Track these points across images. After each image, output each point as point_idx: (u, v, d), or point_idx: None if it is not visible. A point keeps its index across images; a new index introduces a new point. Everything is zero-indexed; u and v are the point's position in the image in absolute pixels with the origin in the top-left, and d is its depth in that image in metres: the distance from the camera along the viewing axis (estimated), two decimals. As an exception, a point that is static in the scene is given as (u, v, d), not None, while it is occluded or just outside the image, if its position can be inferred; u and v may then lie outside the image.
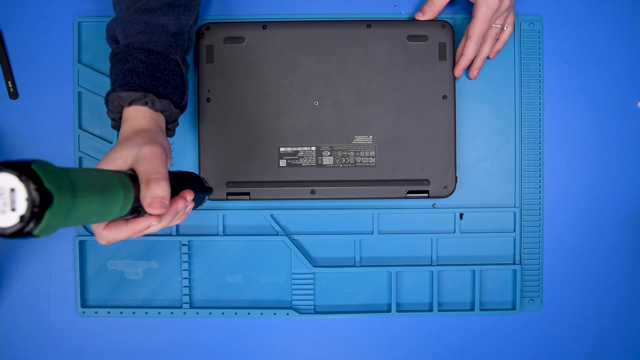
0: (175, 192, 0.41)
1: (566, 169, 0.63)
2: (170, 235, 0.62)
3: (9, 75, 0.61)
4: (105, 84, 0.61)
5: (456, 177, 0.60)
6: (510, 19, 0.59)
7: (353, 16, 0.61)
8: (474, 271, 0.63)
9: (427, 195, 0.59)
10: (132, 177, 0.38)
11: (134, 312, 0.62)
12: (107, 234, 0.38)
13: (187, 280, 0.62)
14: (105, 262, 0.62)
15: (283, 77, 0.59)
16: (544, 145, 0.63)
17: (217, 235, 0.62)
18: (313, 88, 0.59)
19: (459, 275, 0.63)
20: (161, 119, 0.46)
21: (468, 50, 0.58)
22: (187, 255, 0.62)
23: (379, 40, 0.59)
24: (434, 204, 0.62)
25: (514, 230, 0.63)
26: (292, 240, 0.62)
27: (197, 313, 0.62)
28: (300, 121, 0.59)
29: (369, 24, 0.59)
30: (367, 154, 0.59)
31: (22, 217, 0.27)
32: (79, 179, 0.30)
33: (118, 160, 0.39)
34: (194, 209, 0.46)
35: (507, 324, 0.64)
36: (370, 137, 0.59)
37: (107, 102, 0.46)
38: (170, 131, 0.49)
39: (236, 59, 0.59)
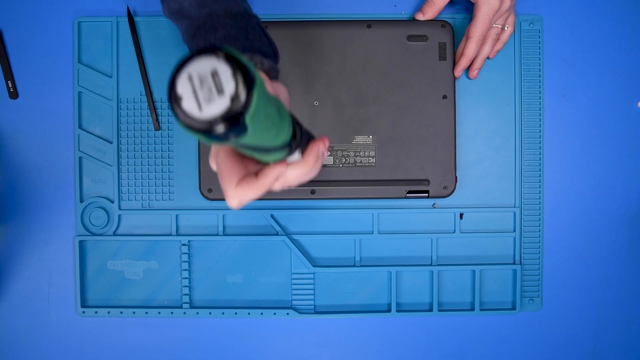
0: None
1: (566, 169, 0.63)
2: (170, 235, 0.62)
3: (9, 75, 0.61)
4: (106, 83, 0.61)
5: (456, 177, 0.60)
6: (511, 19, 0.59)
7: (353, 16, 0.61)
8: (474, 271, 0.63)
9: (427, 195, 0.59)
10: None
11: (134, 312, 0.62)
12: (240, 192, 0.34)
13: (187, 280, 0.62)
14: (105, 262, 0.62)
15: (283, 77, 0.59)
16: (544, 145, 0.63)
17: (217, 235, 0.62)
18: (313, 88, 0.59)
19: (459, 275, 0.63)
20: (266, 78, 0.44)
21: (468, 50, 0.58)
22: (187, 255, 0.62)
23: (379, 40, 0.59)
24: (434, 204, 0.62)
25: (514, 230, 0.63)
26: (292, 240, 0.62)
27: (197, 313, 0.62)
28: (300, 121, 0.59)
29: (369, 24, 0.59)
30: (367, 154, 0.59)
31: (233, 96, 0.24)
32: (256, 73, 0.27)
33: None
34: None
35: (507, 324, 0.64)
36: (370, 137, 0.59)
37: None
38: None
39: (236, 59, 0.59)
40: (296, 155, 0.36)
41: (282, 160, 0.35)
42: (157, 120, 0.61)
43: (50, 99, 0.62)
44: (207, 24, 0.44)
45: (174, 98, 0.24)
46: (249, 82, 0.24)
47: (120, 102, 0.62)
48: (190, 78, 0.24)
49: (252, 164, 0.35)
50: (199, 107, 0.24)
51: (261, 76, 0.33)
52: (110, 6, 0.62)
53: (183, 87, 0.24)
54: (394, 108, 0.59)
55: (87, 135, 0.62)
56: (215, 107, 0.24)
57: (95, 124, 0.62)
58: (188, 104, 0.24)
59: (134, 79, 0.61)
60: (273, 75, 0.44)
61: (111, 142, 0.62)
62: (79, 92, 0.61)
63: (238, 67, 0.24)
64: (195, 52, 0.25)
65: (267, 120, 0.27)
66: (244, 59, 0.25)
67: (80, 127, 0.62)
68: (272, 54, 0.45)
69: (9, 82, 0.61)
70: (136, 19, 0.61)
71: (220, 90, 0.24)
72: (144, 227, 0.62)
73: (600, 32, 0.63)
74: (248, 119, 0.25)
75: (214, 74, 0.24)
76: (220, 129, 0.24)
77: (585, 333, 0.64)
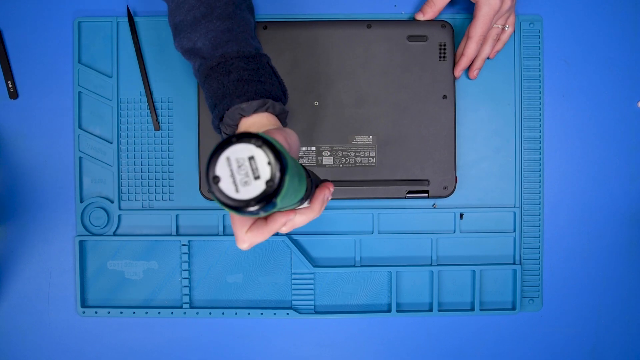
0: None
1: (566, 169, 0.63)
2: (170, 235, 0.62)
3: (9, 75, 0.61)
4: (106, 83, 0.61)
5: (456, 177, 0.60)
6: (511, 20, 0.59)
7: (353, 16, 0.61)
8: (474, 271, 0.63)
9: (427, 195, 0.59)
10: None
11: (134, 312, 0.62)
12: (250, 237, 0.37)
13: (187, 280, 0.62)
14: (105, 262, 0.62)
15: (283, 77, 0.59)
16: (544, 145, 0.63)
17: (217, 235, 0.62)
18: (313, 88, 0.59)
19: (459, 275, 0.63)
20: (277, 121, 0.45)
21: (469, 50, 0.58)
22: (187, 255, 0.62)
23: (379, 40, 0.59)
24: (434, 204, 0.62)
25: (514, 230, 0.63)
26: (292, 240, 0.62)
27: (197, 313, 0.62)
28: (300, 121, 0.59)
29: (369, 24, 0.59)
30: (367, 154, 0.59)
31: (268, 181, 0.27)
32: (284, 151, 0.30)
33: None
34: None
35: (507, 324, 0.64)
36: (370, 137, 0.59)
37: (221, 118, 0.44)
38: None
39: (236, 59, 0.59)
40: (305, 203, 0.39)
41: (291, 209, 0.38)
42: (157, 120, 0.61)
43: (50, 99, 0.62)
44: (221, 66, 0.45)
45: (212, 177, 0.27)
46: (282, 169, 0.27)
47: (120, 102, 0.62)
48: (228, 161, 0.27)
49: None
50: (236, 189, 0.27)
51: (283, 144, 0.37)
52: (110, 6, 0.62)
53: (221, 169, 0.27)
54: (394, 108, 0.59)
55: (87, 135, 0.62)
56: (252, 190, 0.27)
57: (95, 124, 0.62)
58: (225, 185, 0.27)
59: (134, 79, 0.62)
60: (283, 117, 0.46)
61: (111, 142, 0.62)
62: (79, 92, 0.61)
63: (272, 153, 0.27)
64: (235, 136, 0.27)
65: (292, 192, 0.30)
66: (279, 145, 0.28)
67: (80, 127, 0.62)
68: (281, 95, 0.46)
69: (9, 82, 0.61)
70: (136, 19, 0.61)
71: (256, 175, 0.27)
72: (144, 227, 0.62)
73: (600, 32, 0.63)
74: (279, 199, 0.28)
75: (251, 159, 0.27)
76: (253, 208, 0.27)
77: (585, 333, 0.64)
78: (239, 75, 0.44)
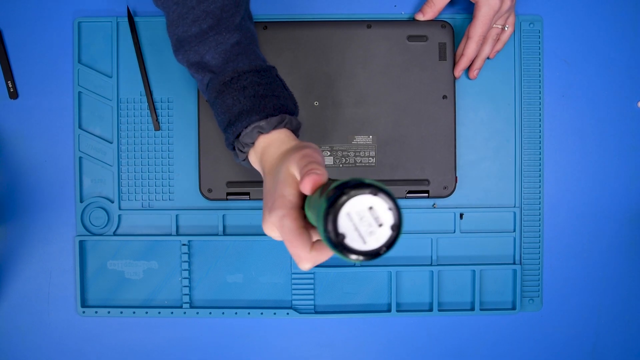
0: None
1: (566, 169, 0.63)
2: (170, 235, 0.62)
3: (9, 75, 0.61)
4: (106, 83, 0.61)
5: (456, 177, 0.60)
6: (511, 20, 0.59)
7: (353, 16, 0.61)
8: (474, 271, 0.63)
9: (427, 195, 0.59)
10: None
11: (134, 312, 0.62)
12: (315, 255, 0.36)
13: (187, 280, 0.62)
14: (105, 262, 0.62)
15: (283, 77, 0.59)
16: (544, 145, 0.63)
17: (217, 235, 0.62)
18: (313, 88, 0.59)
19: (459, 275, 0.63)
20: (294, 136, 0.44)
21: (468, 50, 0.58)
22: (187, 255, 0.62)
23: (379, 41, 0.59)
24: (434, 204, 0.62)
25: (514, 230, 0.63)
26: (292, 240, 0.62)
27: (197, 313, 0.62)
28: (300, 121, 0.59)
29: (369, 24, 0.59)
30: (367, 154, 0.59)
31: (393, 226, 0.28)
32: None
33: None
34: None
35: (507, 324, 0.64)
36: (370, 137, 0.59)
37: (237, 135, 0.43)
38: None
39: (236, 59, 0.59)
40: None
41: None
42: (157, 120, 0.61)
43: (50, 99, 0.62)
44: (234, 81, 0.44)
45: (337, 236, 0.28)
46: (399, 209, 0.28)
47: (120, 102, 0.62)
48: (349, 216, 0.28)
49: (312, 226, 0.37)
50: (363, 241, 0.28)
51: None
52: (110, 6, 0.62)
53: (344, 225, 0.28)
54: (394, 108, 0.59)
55: (87, 135, 0.62)
56: (379, 238, 0.28)
57: (95, 124, 0.62)
58: (352, 241, 0.28)
59: (134, 79, 0.62)
60: (297, 132, 0.45)
61: (111, 142, 0.62)
62: (79, 92, 0.61)
63: (389, 198, 0.28)
64: (345, 190, 0.28)
65: None
66: (387, 188, 0.29)
67: (80, 127, 0.62)
68: (294, 109, 0.45)
69: (9, 82, 0.61)
70: (136, 19, 0.61)
71: (379, 223, 0.28)
72: (144, 227, 0.62)
73: (600, 32, 0.63)
74: (399, 238, 0.29)
75: (371, 209, 0.28)
76: (383, 253, 0.29)
77: (585, 333, 0.64)
78: (255, 91, 0.43)
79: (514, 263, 0.63)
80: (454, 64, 0.59)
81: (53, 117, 0.62)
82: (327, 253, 0.36)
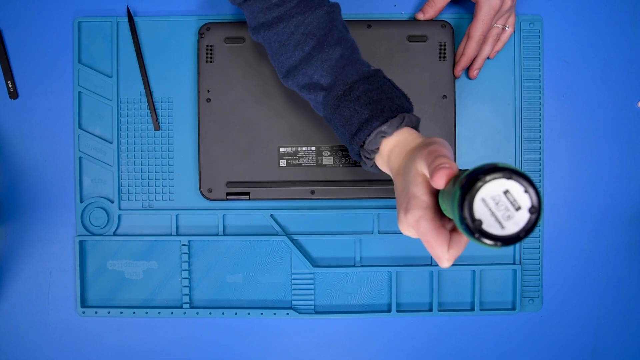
0: None
1: (566, 169, 0.63)
2: (170, 235, 0.62)
3: (9, 75, 0.61)
4: (106, 83, 0.61)
5: (456, 177, 0.60)
6: (512, 20, 0.59)
7: (353, 16, 0.61)
8: (474, 271, 0.63)
9: (427, 195, 0.59)
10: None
11: (134, 312, 0.62)
12: (453, 253, 0.36)
13: (187, 280, 0.62)
14: (105, 262, 0.62)
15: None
16: (544, 145, 0.63)
17: (217, 235, 0.62)
18: (313, 88, 0.59)
19: (459, 275, 0.63)
20: (416, 132, 0.44)
21: (469, 50, 0.58)
22: (187, 255, 0.62)
23: (379, 40, 0.59)
24: (434, 204, 0.62)
25: (514, 230, 0.63)
26: (292, 240, 0.62)
27: (197, 313, 0.62)
28: (300, 121, 0.59)
29: (369, 24, 0.59)
30: (367, 154, 0.59)
31: (531, 208, 0.28)
32: None
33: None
34: None
35: (507, 324, 0.64)
36: (370, 137, 0.59)
37: (362, 144, 0.44)
38: None
39: (236, 59, 0.59)
40: None
41: None
42: (157, 120, 0.61)
43: (50, 99, 0.62)
44: (347, 93, 0.44)
45: (473, 222, 0.28)
46: (537, 191, 0.28)
47: (120, 102, 0.62)
48: (484, 202, 0.28)
49: (446, 220, 0.37)
50: (501, 226, 0.28)
51: (448, 155, 0.37)
52: (110, 6, 0.62)
53: (480, 211, 0.28)
54: (394, 108, 0.59)
55: (87, 135, 0.62)
56: (517, 222, 0.28)
57: (95, 124, 0.62)
58: (490, 227, 0.28)
59: (134, 79, 0.62)
60: (418, 126, 0.45)
61: (111, 142, 0.62)
62: (79, 92, 0.61)
63: (524, 179, 0.28)
64: (477, 176, 0.28)
65: None
66: (522, 170, 0.28)
67: (80, 127, 0.62)
68: (409, 105, 0.45)
69: (9, 82, 0.61)
70: (136, 19, 0.61)
71: (517, 207, 0.28)
72: (144, 227, 0.62)
73: (600, 32, 0.63)
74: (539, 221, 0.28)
75: (506, 193, 0.28)
76: (523, 237, 0.28)
77: (585, 333, 0.64)
78: (369, 98, 0.43)
79: (514, 263, 0.63)
80: (454, 64, 0.59)
81: (53, 117, 0.62)
82: (460, 250, 0.36)
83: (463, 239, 0.36)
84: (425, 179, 0.37)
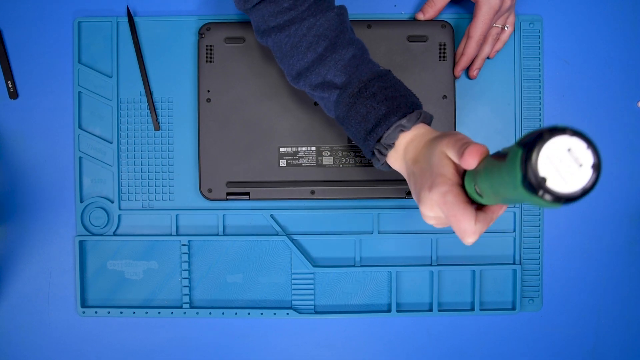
0: None
1: (566, 169, 0.63)
2: (170, 235, 0.62)
3: (9, 75, 0.61)
4: (106, 83, 0.61)
5: (456, 177, 0.60)
6: (511, 19, 0.59)
7: (353, 16, 0.61)
8: (474, 271, 0.63)
9: (427, 195, 0.59)
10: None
11: (134, 312, 0.62)
12: (479, 227, 0.36)
13: (187, 280, 0.62)
14: (105, 262, 0.62)
15: (283, 77, 0.59)
16: (544, 145, 0.63)
17: (217, 235, 0.62)
18: (313, 88, 0.59)
19: (459, 275, 0.63)
20: (431, 128, 0.44)
21: (469, 50, 0.58)
22: (187, 255, 0.62)
23: (379, 41, 0.59)
24: (434, 204, 0.62)
25: (514, 230, 0.63)
26: (292, 240, 0.62)
27: (197, 313, 0.62)
28: (300, 121, 0.59)
29: (369, 24, 0.59)
30: (367, 154, 0.59)
31: (593, 165, 0.28)
32: None
33: (448, 167, 0.38)
34: None
35: (507, 324, 0.64)
36: (370, 137, 0.59)
37: (378, 139, 0.44)
38: None
39: (236, 59, 0.59)
40: None
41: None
42: (157, 120, 0.61)
43: (50, 99, 0.62)
44: (362, 90, 0.45)
45: (537, 180, 0.28)
46: (597, 149, 0.28)
47: (120, 102, 0.62)
48: (549, 159, 0.28)
49: (470, 201, 0.37)
50: (565, 183, 0.28)
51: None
52: (110, 6, 0.62)
53: (544, 169, 0.28)
54: (394, 108, 0.59)
55: (87, 135, 0.62)
56: (581, 178, 0.28)
57: (95, 124, 0.62)
58: (554, 184, 0.28)
59: (134, 79, 0.62)
60: (431, 124, 0.46)
61: (111, 142, 0.62)
62: (79, 92, 0.61)
63: (585, 137, 0.28)
64: (545, 132, 0.28)
65: None
66: (580, 130, 0.29)
67: (80, 127, 0.62)
68: (420, 103, 0.46)
69: (9, 82, 0.61)
70: (136, 19, 0.61)
71: (579, 164, 0.28)
72: (144, 227, 0.62)
73: (600, 32, 0.63)
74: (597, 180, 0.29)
75: (569, 150, 0.28)
76: (585, 194, 0.28)
77: (585, 333, 0.64)
78: (384, 95, 0.44)
79: (514, 263, 0.63)
80: (454, 63, 0.59)
81: (53, 117, 0.62)
82: (487, 225, 0.37)
83: (488, 217, 0.37)
84: (451, 162, 0.38)
